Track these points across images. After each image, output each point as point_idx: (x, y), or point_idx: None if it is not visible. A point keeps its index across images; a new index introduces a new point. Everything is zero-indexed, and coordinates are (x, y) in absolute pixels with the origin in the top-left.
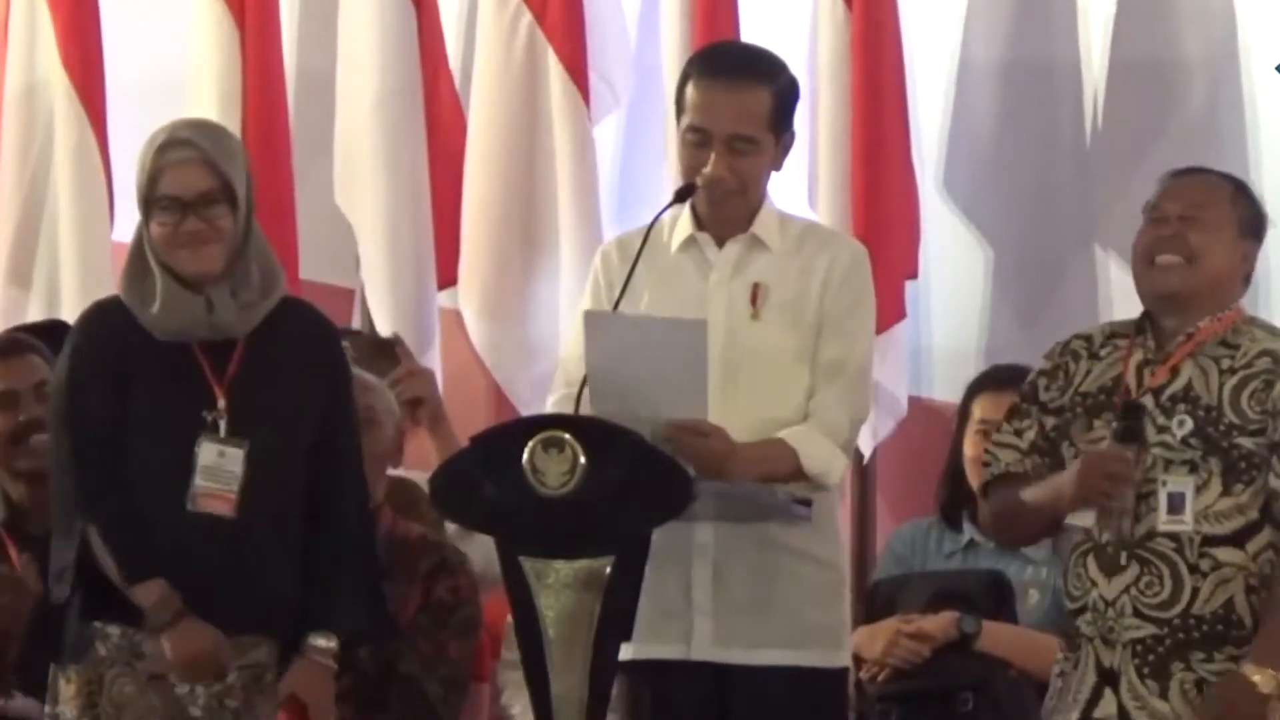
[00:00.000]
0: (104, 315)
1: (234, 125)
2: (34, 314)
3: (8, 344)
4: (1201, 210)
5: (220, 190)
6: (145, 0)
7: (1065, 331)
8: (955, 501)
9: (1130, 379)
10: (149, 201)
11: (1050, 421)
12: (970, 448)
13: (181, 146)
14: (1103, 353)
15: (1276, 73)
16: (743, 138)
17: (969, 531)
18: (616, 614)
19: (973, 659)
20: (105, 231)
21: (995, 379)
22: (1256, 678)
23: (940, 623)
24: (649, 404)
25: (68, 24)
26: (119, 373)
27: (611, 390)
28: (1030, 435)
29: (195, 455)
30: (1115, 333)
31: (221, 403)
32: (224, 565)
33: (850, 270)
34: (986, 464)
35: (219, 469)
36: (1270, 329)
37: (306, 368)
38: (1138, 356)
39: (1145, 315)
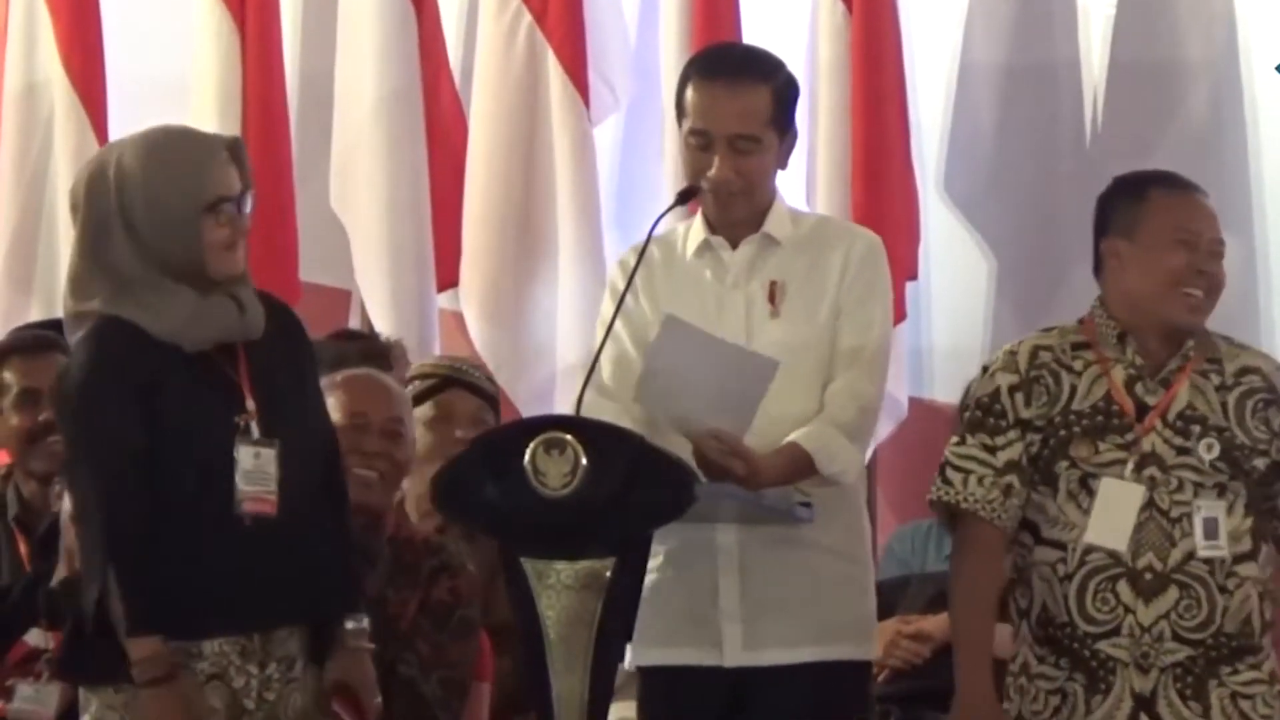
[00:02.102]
0: (116, 334)
1: (234, 127)
2: (36, 318)
3: (33, 342)
4: (1222, 246)
5: (245, 190)
6: (146, 1)
7: None
8: None
9: (1122, 398)
10: (209, 204)
11: (1035, 439)
12: None
13: (214, 147)
14: (1076, 365)
15: (1277, 73)
16: (745, 137)
17: None
18: (617, 615)
19: None
20: None
21: None
22: None
23: (940, 623)
24: (695, 414)
25: (68, 24)
26: (144, 389)
27: (662, 390)
28: (1009, 454)
29: (235, 461)
30: (1077, 343)
31: (251, 404)
32: (267, 562)
33: (865, 259)
34: (947, 481)
35: (257, 471)
36: (1228, 341)
37: (299, 361)
38: (1121, 372)
39: (1125, 330)
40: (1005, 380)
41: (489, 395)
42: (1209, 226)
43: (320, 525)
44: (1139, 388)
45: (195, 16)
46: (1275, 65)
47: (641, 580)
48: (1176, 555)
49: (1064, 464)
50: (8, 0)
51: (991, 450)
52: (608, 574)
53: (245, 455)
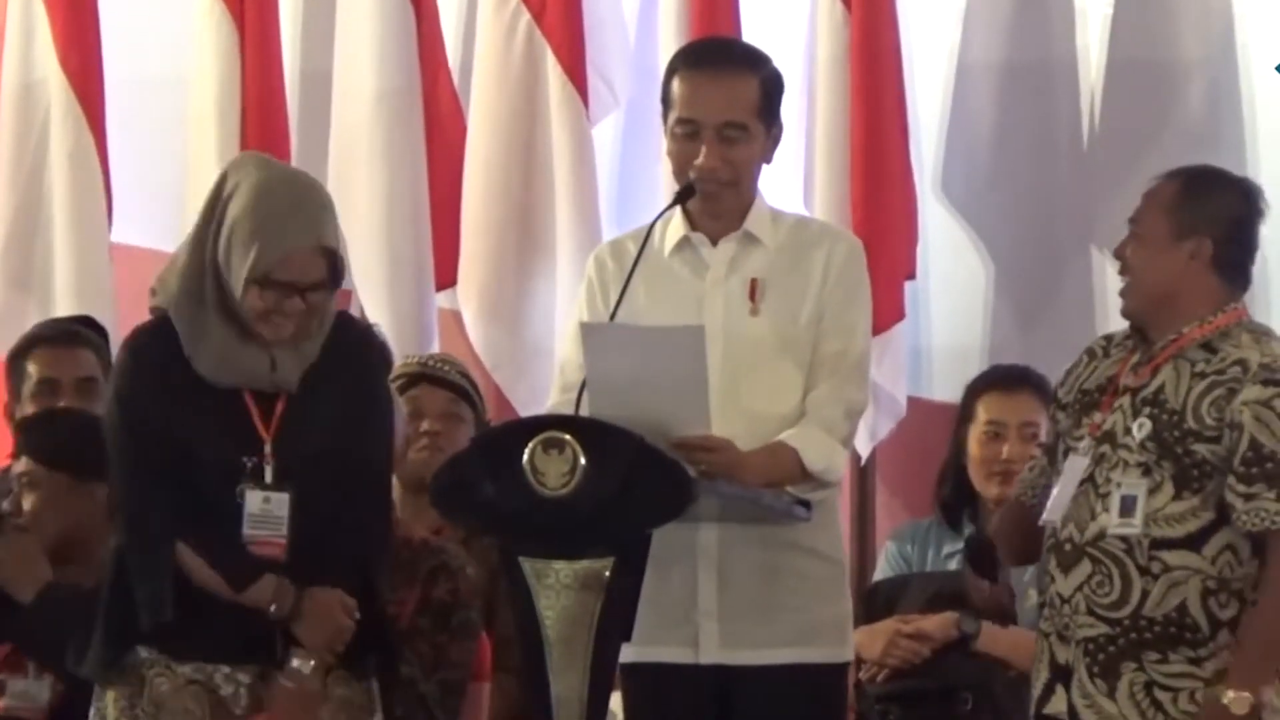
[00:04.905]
0: (158, 340)
1: (233, 125)
2: (33, 316)
3: (60, 333)
4: (1137, 224)
5: (329, 277)
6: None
7: (1063, 331)
8: (955, 502)
9: (1124, 379)
10: (258, 278)
11: (1062, 417)
12: (976, 448)
13: (303, 231)
14: (1114, 351)
15: (1275, 72)
16: (733, 124)
17: (969, 532)
18: (616, 614)
19: (972, 659)
20: (103, 233)
21: (1001, 379)
22: (1228, 700)
23: (939, 623)
24: (651, 411)
25: (66, 23)
26: (171, 393)
27: (612, 399)
28: (1048, 435)
29: (241, 504)
30: (1129, 334)
31: (267, 447)
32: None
33: (847, 263)
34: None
35: (266, 516)
36: (1258, 336)
37: (356, 407)
38: (1135, 358)
39: None
40: (1068, 366)
41: (459, 388)
42: (1137, 212)
43: (337, 575)
44: (1133, 372)
45: (194, 15)
46: (1274, 64)
47: (640, 580)
48: (1093, 529)
49: (1061, 439)
50: None
51: (1046, 433)
52: (607, 574)
53: (253, 499)
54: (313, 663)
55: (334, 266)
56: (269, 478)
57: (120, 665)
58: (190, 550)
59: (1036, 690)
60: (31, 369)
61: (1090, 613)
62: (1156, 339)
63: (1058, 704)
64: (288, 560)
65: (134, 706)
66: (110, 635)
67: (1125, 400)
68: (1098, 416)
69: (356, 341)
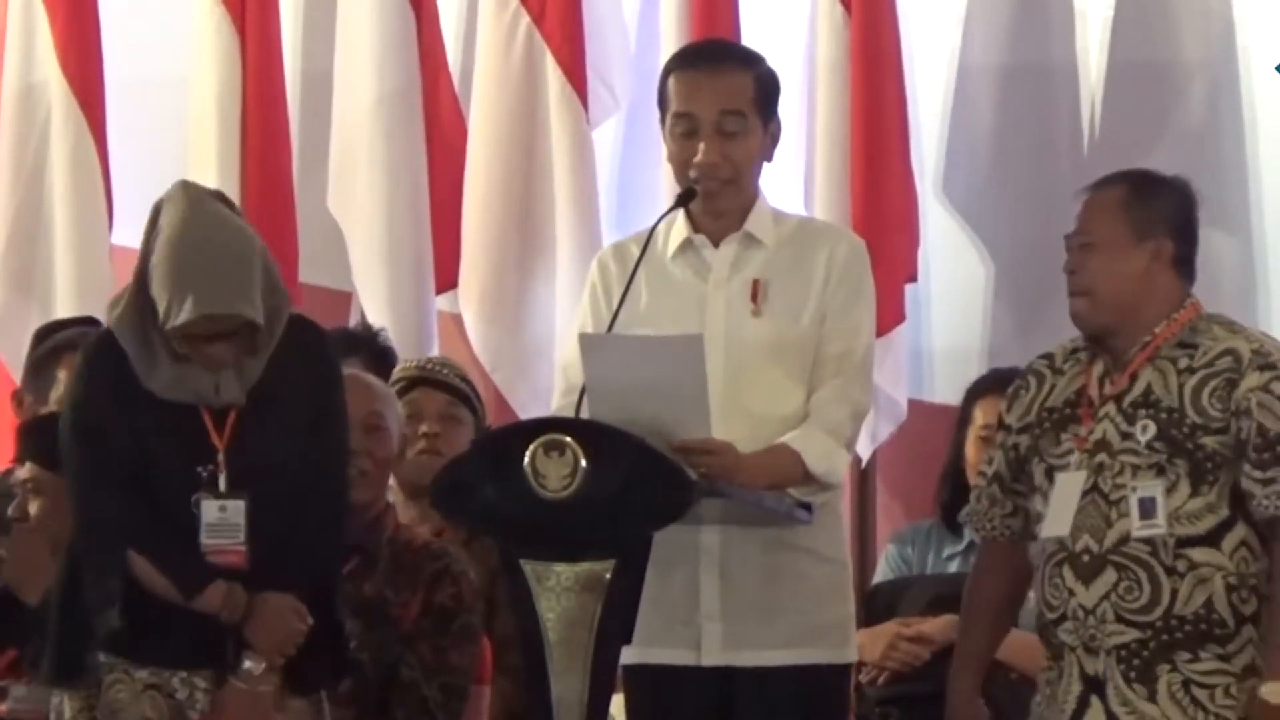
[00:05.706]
0: (112, 347)
1: (233, 126)
2: (34, 318)
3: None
4: (1090, 235)
5: (247, 326)
6: (145, 2)
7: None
8: (955, 504)
9: (1093, 390)
10: (179, 328)
11: (1023, 441)
12: (973, 452)
13: (208, 302)
14: (1066, 367)
15: (1275, 73)
16: (731, 112)
17: (969, 534)
18: (617, 616)
19: None
20: (103, 234)
21: (998, 383)
22: (1265, 693)
23: (940, 626)
24: (652, 419)
25: (66, 25)
26: (126, 403)
27: (613, 407)
28: (995, 465)
29: (198, 514)
30: (1078, 348)
31: (220, 456)
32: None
33: (849, 262)
34: (975, 491)
35: (224, 524)
36: (1229, 326)
37: (310, 410)
38: (1099, 368)
39: None
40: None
41: (458, 390)
42: (1076, 228)
43: (298, 579)
44: (1107, 381)
45: (194, 16)
46: (1274, 65)
47: (641, 582)
48: (1113, 536)
49: (1035, 459)
50: (5, 0)
51: (990, 460)
52: (607, 576)
53: (209, 509)
54: (264, 665)
55: (253, 324)
56: (223, 486)
57: (76, 669)
58: (141, 557)
59: (1069, 706)
60: (61, 375)
61: (1120, 620)
62: (1126, 345)
63: (1094, 716)
64: (251, 567)
65: (91, 709)
66: (64, 639)
67: (1110, 408)
68: (1081, 430)
69: (309, 347)
